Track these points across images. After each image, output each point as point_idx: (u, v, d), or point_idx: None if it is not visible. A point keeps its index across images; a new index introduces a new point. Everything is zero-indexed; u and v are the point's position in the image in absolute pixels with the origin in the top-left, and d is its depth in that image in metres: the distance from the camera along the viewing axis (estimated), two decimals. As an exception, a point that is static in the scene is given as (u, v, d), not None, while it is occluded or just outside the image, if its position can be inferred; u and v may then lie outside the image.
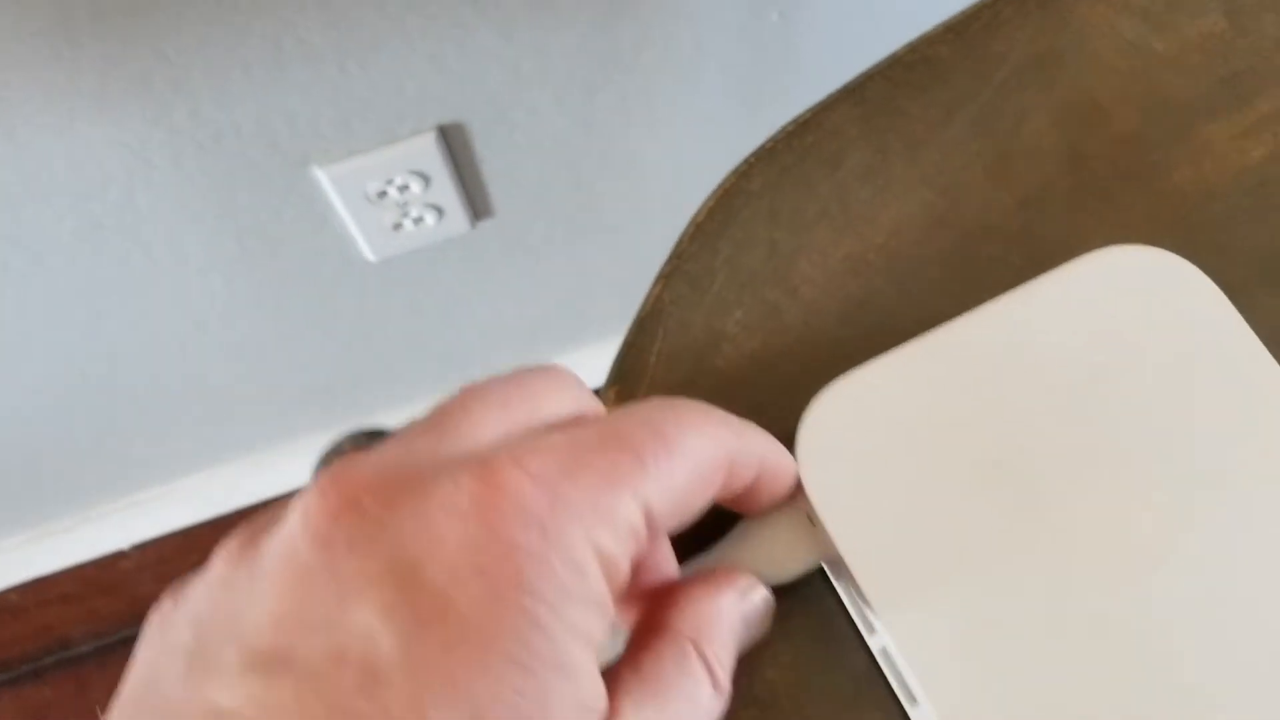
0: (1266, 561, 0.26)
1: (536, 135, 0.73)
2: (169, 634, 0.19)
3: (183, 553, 1.00)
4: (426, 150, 0.69)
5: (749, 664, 0.28)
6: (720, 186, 0.33)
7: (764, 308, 0.32)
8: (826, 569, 0.28)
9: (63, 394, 0.79)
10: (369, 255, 0.76)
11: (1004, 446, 0.28)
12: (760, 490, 0.26)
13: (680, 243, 0.33)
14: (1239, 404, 0.28)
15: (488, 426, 0.21)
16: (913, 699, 0.27)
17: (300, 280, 0.77)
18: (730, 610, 0.25)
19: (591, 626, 0.19)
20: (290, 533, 0.19)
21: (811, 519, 0.27)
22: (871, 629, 0.27)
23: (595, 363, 1.04)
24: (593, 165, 0.78)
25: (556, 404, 0.23)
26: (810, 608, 0.28)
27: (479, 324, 0.93)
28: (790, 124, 0.34)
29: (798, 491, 0.27)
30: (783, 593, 0.28)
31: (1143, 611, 0.26)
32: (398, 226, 0.74)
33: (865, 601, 0.27)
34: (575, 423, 0.22)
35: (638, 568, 0.23)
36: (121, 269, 0.69)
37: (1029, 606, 0.26)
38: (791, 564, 0.27)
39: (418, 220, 0.75)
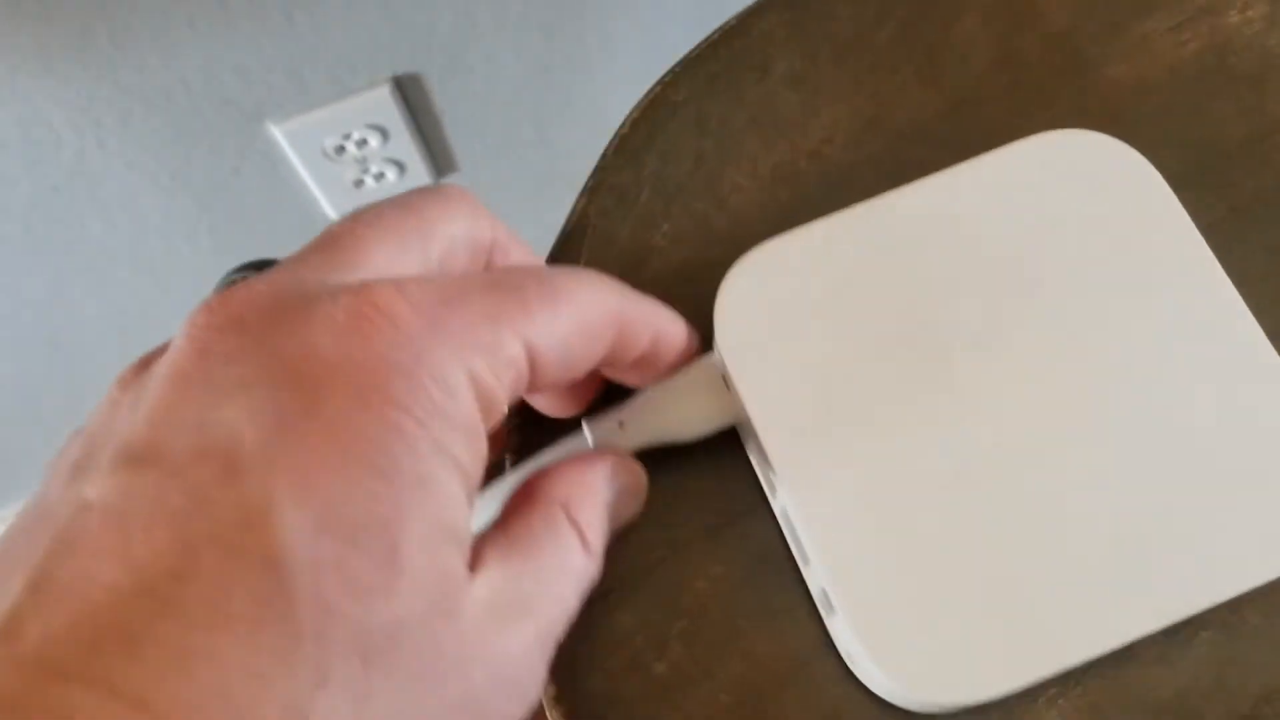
0: (1161, 448, 0.26)
1: (496, 84, 0.72)
2: (62, 457, 0.20)
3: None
4: (382, 103, 0.68)
5: (679, 577, 0.27)
6: (645, 97, 0.32)
7: (692, 219, 0.31)
8: (739, 432, 0.28)
9: (27, 365, 0.79)
10: (331, 213, 0.76)
11: (921, 317, 0.27)
12: (655, 359, 0.26)
13: (604, 155, 0.32)
14: (1166, 291, 0.27)
15: (379, 256, 0.21)
16: (805, 559, 0.26)
17: (264, 240, 0.76)
18: (601, 478, 0.25)
19: (459, 451, 0.19)
20: (174, 348, 0.20)
21: (725, 380, 0.27)
22: (774, 490, 0.27)
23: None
24: (554, 113, 0.77)
25: (450, 227, 0.23)
26: (743, 524, 0.28)
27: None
28: (716, 31, 0.33)
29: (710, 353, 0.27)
30: (715, 508, 0.27)
31: (1038, 486, 0.26)
32: (359, 183, 0.74)
33: (768, 462, 0.26)
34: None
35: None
36: (80, 233, 0.68)
37: (928, 475, 0.26)
38: (702, 421, 0.27)
39: (379, 176, 0.74)
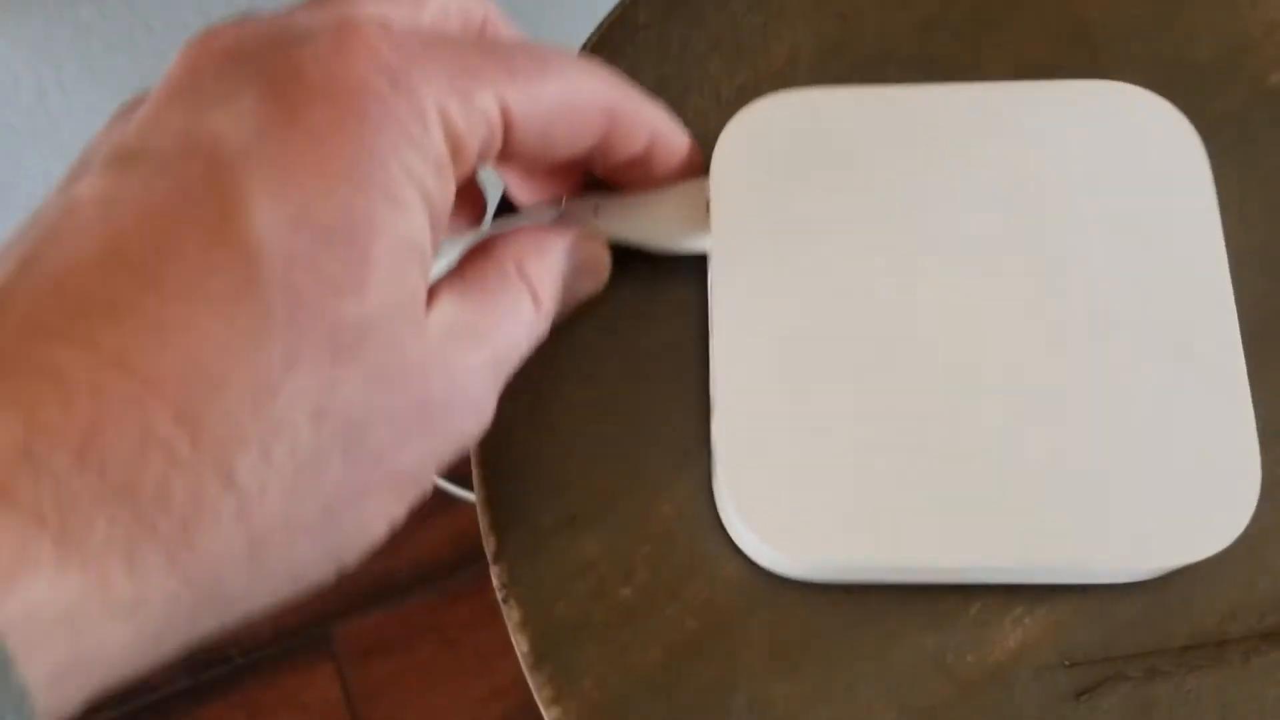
0: (1096, 396, 0.26)
1: None
2: (65, 175, 0.21)
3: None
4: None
5: (643, 503, 0.27)
6: (605, 20, 0.32)
7: (654, 144, 0.30)
8: (709, 263, 0.28)
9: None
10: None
11: (906, 206, 0.27)
12: (651, 163, 0.26)
13: (566, 81, 0.31)
14: (1158, 249, 0.27)
15: (369, 7, 0.21)
16: (713, 404, 0.27)
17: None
18: (558, 245, 0.25)
19: (428, 181, 0.20)
20: (169, 69, 0.21)
21: (709, 206, 0.28)
22: (712, 330, 0.27)
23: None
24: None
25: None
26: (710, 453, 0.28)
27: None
28: (678, -46, 0.32)
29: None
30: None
31: (960, 392, 0.26)
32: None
33: (712, 297, 0.27)
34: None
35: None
36: (40, 175, 0.67)
37: (855, 350, 0.26)
38: (675, 233, 0.28)
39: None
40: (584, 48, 0.31)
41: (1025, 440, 0.25)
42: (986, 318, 0.26)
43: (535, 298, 0.24)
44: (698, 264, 0.29)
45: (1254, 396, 0.26)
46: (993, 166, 0.27)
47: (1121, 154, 0.28)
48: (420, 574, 0.96)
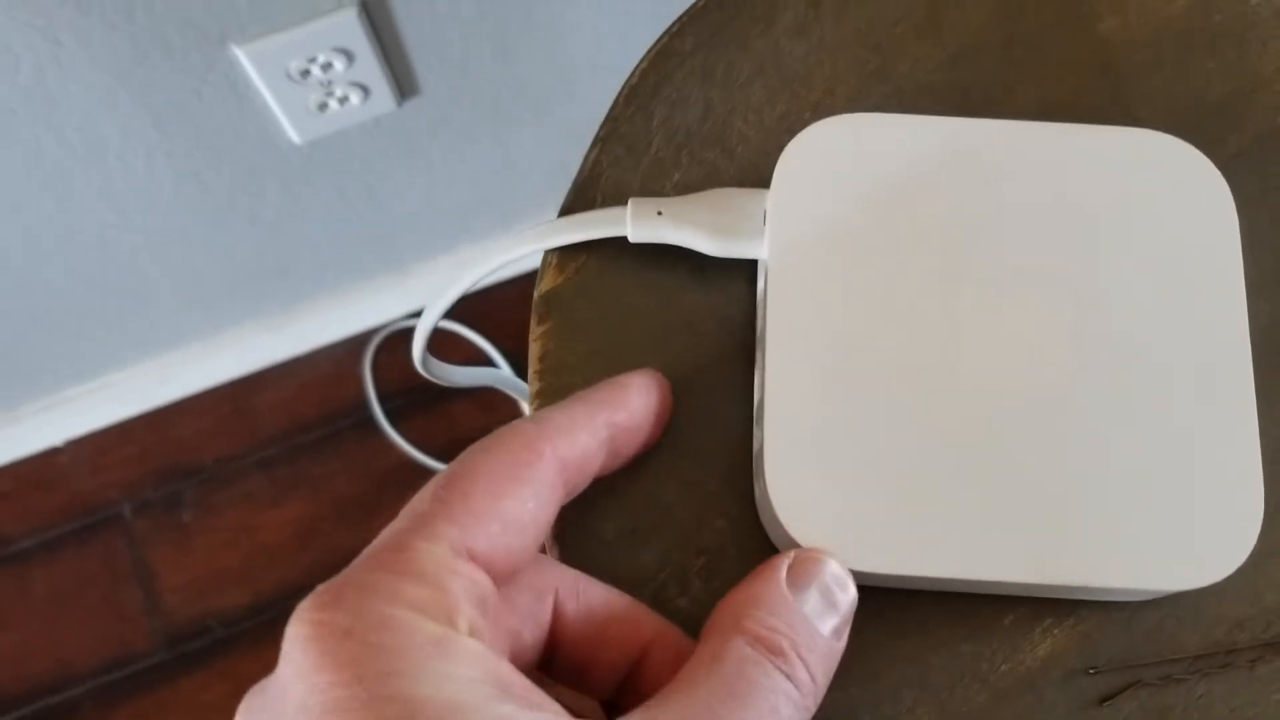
0: (1120, 429, 0.27)
1: (458, 5, 0.71)
2: None
3: (118, 445, 0.99)
4: (349, 25, 0.67)
5: (698, 516, 0.29)
6: (653, 47, 0.33)
7: (701, 168, 0.32)
8: (759, 271, 0.30)
9: (-19, 290, 0.77)
10: (294, 137, 0.75)
11: (953, 235, 0.29)
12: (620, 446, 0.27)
13: (615, 105, 0.32)
14: (1184, 293, 0.29)
15: None
16: (760, 410, 0.28)
17: (224, 164, 0.75)
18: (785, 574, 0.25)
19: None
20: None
21: (765, 217, 0.29)
22: (762, 341, 0.29)
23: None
24: (515, 34, 0.76)
25: None
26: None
27: (407, 206, 0.92)
28: (722, -18, 0.34)
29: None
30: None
31: (994, 414, 0.27)
32: (323, 107, 0.73)
33: (766, 303, 0.28)
34: None
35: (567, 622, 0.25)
36: (36, 157, 0.67)
37: (901, 364, 0.28)
38: (731, 238, 0.29)
39: (343, 100, 0.73)
40: (631, 75, 0.33)
41: (1053, 463, 0.27)
42: (1022, 343, 0.28)
43: (798, 678, 0.22)
44: (743, 280, 0.30)
45: (1261, 418, 0.28)
46: (1034, 201, 0.29)
47: (1152, 196, 0.29)
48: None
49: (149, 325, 0.94)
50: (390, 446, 0.98)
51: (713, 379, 0.30)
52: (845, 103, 0.32)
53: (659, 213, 0.29)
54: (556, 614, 0.25)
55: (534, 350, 0.30)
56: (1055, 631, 0.28)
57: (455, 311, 1.03)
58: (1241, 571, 0.27)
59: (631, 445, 0.27)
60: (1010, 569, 0.27)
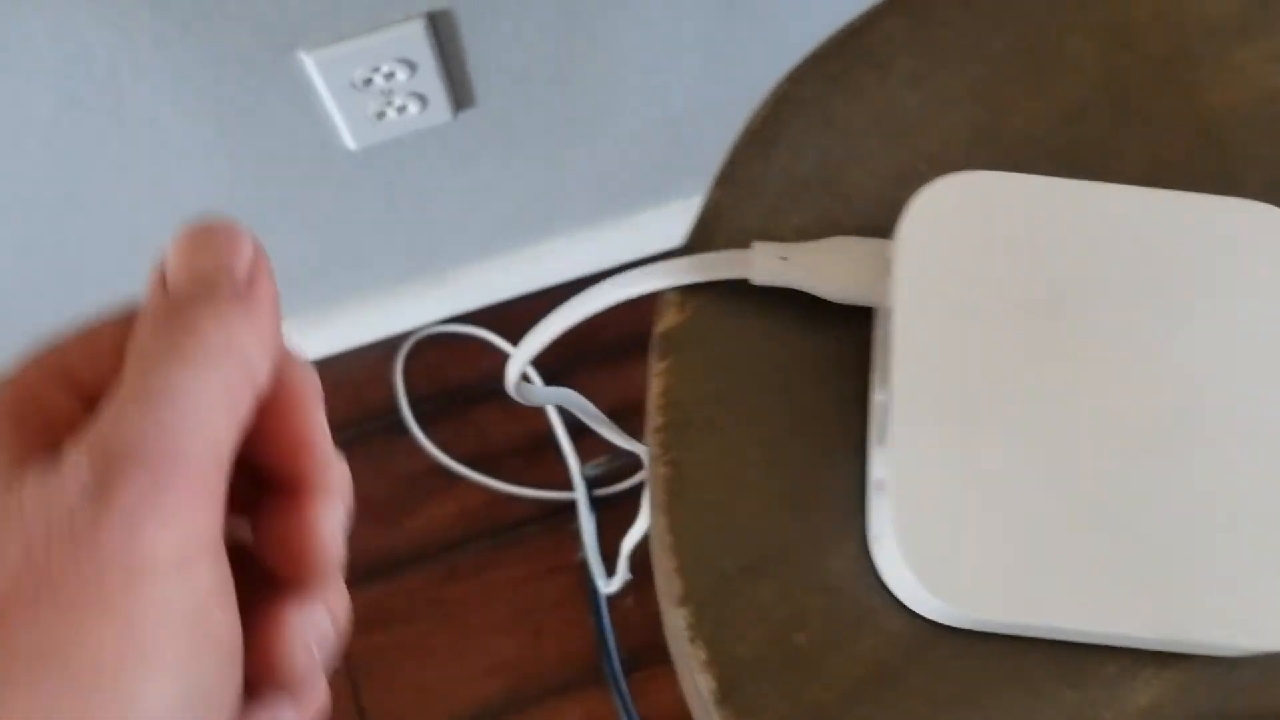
0: (1252, 491, 0.28)
1: (522, 23, 0.72)
2: None
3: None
4: (415, 37, 0.68)
5: (817, 556, 0.30)
6: (773, 93, 0.34)
7: (819, 214, 0.33)
8: (876, 315, 0.31)
9: (32, 283, 0.78)
10: (350, 144, 0.75)
11: (1081, 293, 0.30)
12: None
13: (735, 148, 0.33)
14: None
15: None
16: (881, 440, 0.29)
17: (280, 167, 0.76)
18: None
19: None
20: None
21: (888, 266, 0.30)
22: (885, 378, 0.30)
23: (562, 255, 1.04)
24: (573, 54, 0.77)
25: None
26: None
27: (449, 213, 0.93)
28: (840, 31, 0.34)
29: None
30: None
31: (1129, 470, 0.28)
32: (381, 115, 0.73)
33: (890, 349, 0.29)
34: None
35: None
36: (98, 151, 0.67)
37: (1028, 416, 0.29)
38: (854, 285, 0.31)
39: (401, 109, 0.74)
40: (751, 119, 0.33)
41: (1168, 519, 0.28)
42: (1139, 401, 0.29)
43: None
44: (858, 324, 0.31)
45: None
46: (1152, 264, 0.30)
47: (1261, 263, 0.30)
48: (423, 549, 0.98)
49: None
50: (419, 450, 0.99)
51: (828, 421, 0.31)
52: (959, 155, 0.33)
53: (783, 258, 0.30)
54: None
55: (655, 386, 0.31)
56: (1155, 682, 0.29)
57: (483, 318, 1.03)
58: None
59: None
60: (1127, 622, 0.27)
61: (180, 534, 0.18)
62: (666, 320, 0.32)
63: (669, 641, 0.32)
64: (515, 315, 1.03)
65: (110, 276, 0.81)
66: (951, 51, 0.34)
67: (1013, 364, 0.29)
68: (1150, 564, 0.28)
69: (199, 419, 0.19)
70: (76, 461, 0.18)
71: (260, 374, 0.20)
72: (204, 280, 0.21)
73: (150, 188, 0.73)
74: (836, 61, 0.34)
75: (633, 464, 0.98)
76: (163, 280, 0.21)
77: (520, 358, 0.36)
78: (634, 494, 0.99)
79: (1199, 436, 0.29)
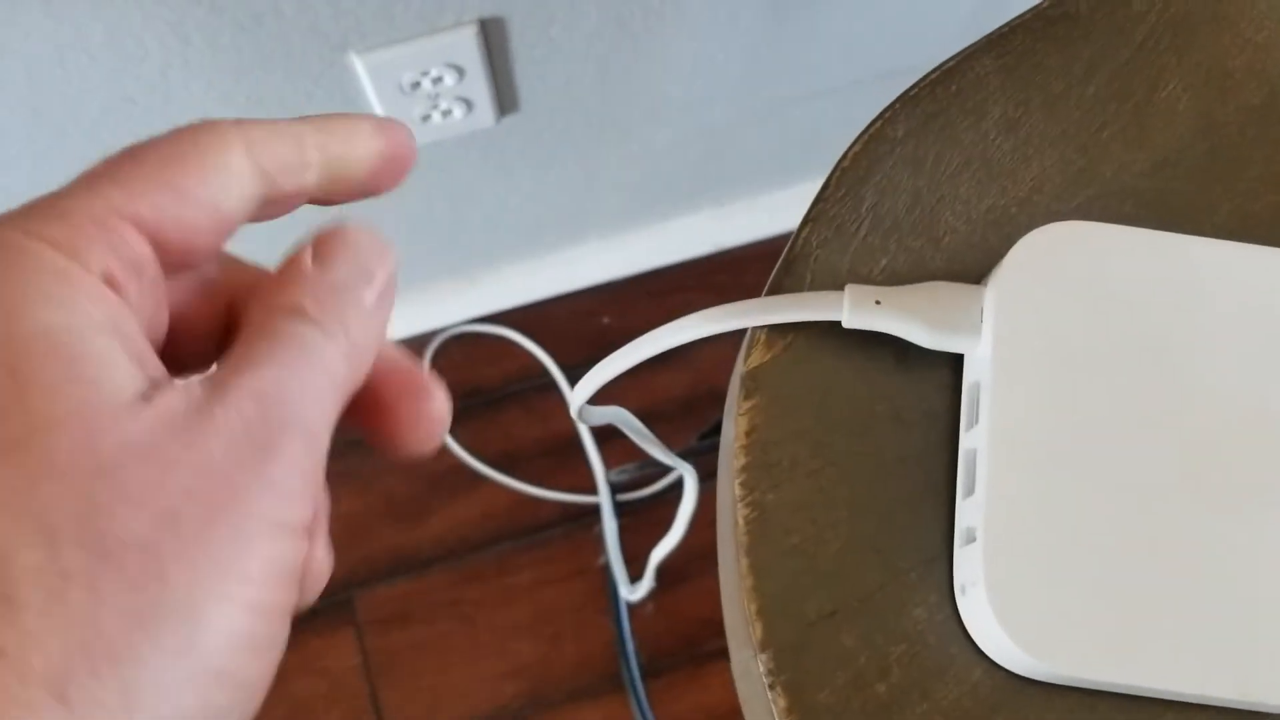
0: None
1: (572, 31, 0.72)
2: None
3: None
4: (465, 43, 0.67)
5: (899, 603, 0.29)
6: (865, 132, 0.33)
7: (908, 256, 0.32)
8: (966, 362, 0.31)
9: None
10: (393, 145, 0.75)
11: (1174, 355, 0.30)
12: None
13: (826, 186, 0.33)
14: None
15: None
16: (969, 491, 0.29)
17: (322, 167, 0.75)
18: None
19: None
20: None
21: (981, 314, 0.30)
22: (971, 423, 0.30)
23: (594, 258, 1.04)
24: (619, 62, 0.77)
25: None
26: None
27: (485, 215, 0.93)
28: (934, 71, 0.34)
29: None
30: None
31: (1219, 529, 0.28)
32: (426, 118, 0.73)
33: (980, 398, 0.29)
34: None
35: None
36: (148, 148, 0.67)
37: (1121, 474, 0.29)
38: (945, 332, 0.30)
39: (446, 113, 0.74)
40: (843, 158, 0.33)
41: (1256, 582, 0.28)
42: (1231, 461, 0.29)
43: (334, 336, 0.21)
44: (948, 370, 0.31)
45: None
46: (1246, 322, 0.30)
47: None
48: (445, 549, 0.98)
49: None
50: (443, 450, 0.99)
51: (915, 467, 0.31)
52: (1051, 200, 0.33)
53: (877, 301, 0.30)
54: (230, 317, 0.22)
55: (740, 425, 0.31)
56: (1242, 745, 0.29)
57: (510, 319, 1.03)
58: None
59: (351, 182, 0.24)
60: (1212, 684, 0.27)
61: (302, 513, 0.19)
62: (754, 359, 0.31)
63: (739, 685, 0.32)
64: (544, 317, 1.03)
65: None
66: (1046, 95, 0.34)
67: (1104, 417, 0.29)
68: (1237, 624, 0.28)
69: (335, 408, 0.20)
70: (240, 408, 0.19)
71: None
72: (363, 275, 0.22)
73: (194, 184, 0.73)
74: (930, 102, 0.34)
75: (659, 471, 0.98)
76: (311, 255, 0.22)
77: (592, 382, 0.36)
78: (658, 500, 0.99)
79: None
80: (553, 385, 1.01)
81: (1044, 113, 0.34)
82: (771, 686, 0.29)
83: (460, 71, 0.70)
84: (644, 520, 0.99)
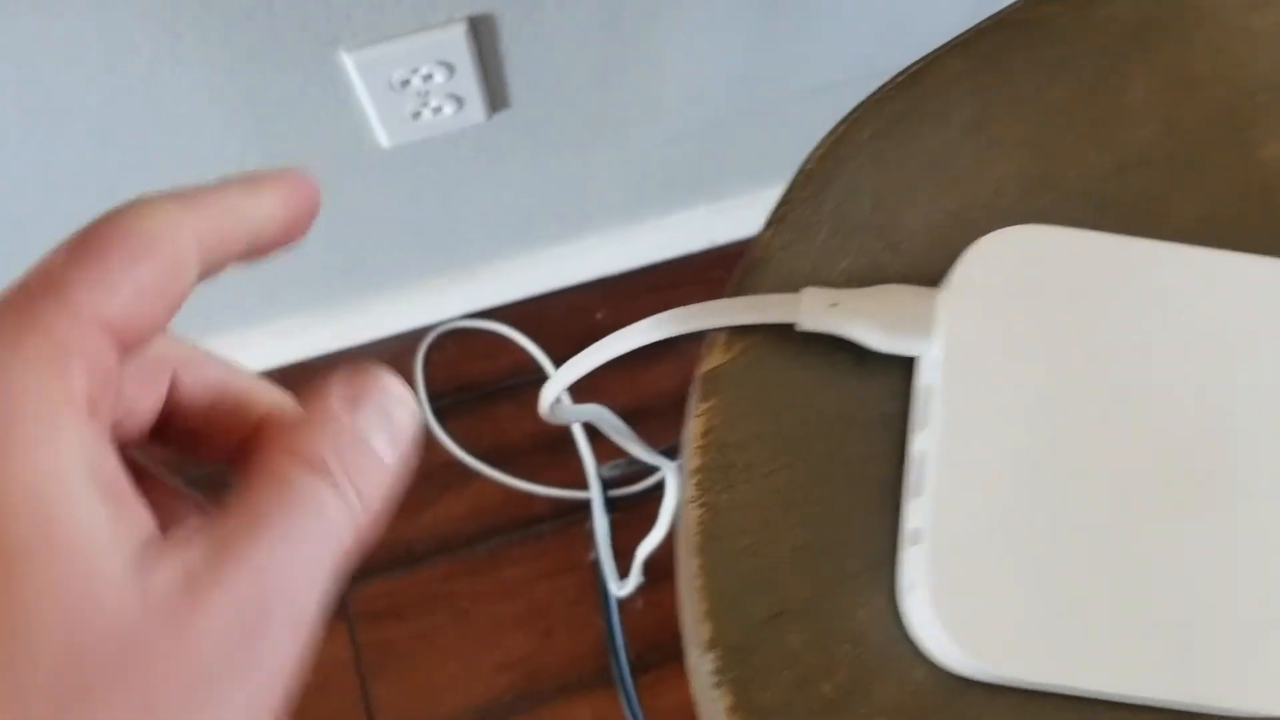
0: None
1: (564, 28, 0.72)
2: None
3: (167, 422, 1.00)
4: (455, 41, 0.68)
5: (845, 604, 0.29)
6: (830, 134, 0.34)
7: (869, 258, 0.33)
8: (917, 364, 0.31)
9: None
10: (383, 142, 0.75)
11: (1123, 357, 0.30)
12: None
13: (790, 188, 0.33)
14: None
15: None
16: (918, 492, 0.29)
17: (312, 161, 0.76)
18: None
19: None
20: None
21: (934, 317, 0.30)
22: (923, 426, 0.30)
23: (589, 254, 1.04)
24: (612, 60, 0.77)
25: None
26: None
27: (478, 211, 0.93)
28: (900, 74, 0.34)
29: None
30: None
31: (1164, 532, 0.28)
32: (416, 115, 0.73)
33: (933, 398, 0.29)
34: None
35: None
36: (138, 143, 0.68)
37: (1069, 476, 0.29)
38: (901, 335, 0.30)
39: (436, 110, 0.74)
40: (808, 159, 0.33)
41: (1199, 587, 0.28)
42: (1181, 467, 0.29)
43: (344, 491, 0.21)
44: (901, 373, 0.31)
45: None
46: (1197, 325, 0.30)
47: None
48: (437, 543, 0.98)
49: (207, 307, 0.94)
50: (435, 444, 0.99)
51: (867, 470, 0.31)
52: (1013, 203, 0.33)
53: (833, 304, 0.30)
54: (174, 385, 0.23)
55: (697, 426, 0.31)
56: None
57: (505, 314, 1.04)
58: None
59: (267, 242, 0.24)
60: (1149, 686, 0.27)
61: (281, 698, 0.19)
62: (712, 361, 0.32)
63: (692, 684, 0.32)
64: (538, 312, 1.03)
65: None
66: (1010, 98, 0.34)
67: (1054, 421, 0.29)
68: (1177, 627, 0.28)
69: (332, 584, 0.20)
70: (236, 592, 0.18)
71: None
72: (386, 426, 0.22)
73: (188, 173, 0.73)
74: (894, 105, 0.34)
75: (650, 466, 0.98)
76: (339, 398, 0.22)
77: (557, 384, 0.36)
78: (649, 496, 0.99)
79: (1236, 501, 0.29)
80: (546, 381, 1.02)
81: (1010, 116, 0.34)
82: (718, 685, 0.29)
83: (450, 68, 0.70)
84: (636, 515, 1.00)
